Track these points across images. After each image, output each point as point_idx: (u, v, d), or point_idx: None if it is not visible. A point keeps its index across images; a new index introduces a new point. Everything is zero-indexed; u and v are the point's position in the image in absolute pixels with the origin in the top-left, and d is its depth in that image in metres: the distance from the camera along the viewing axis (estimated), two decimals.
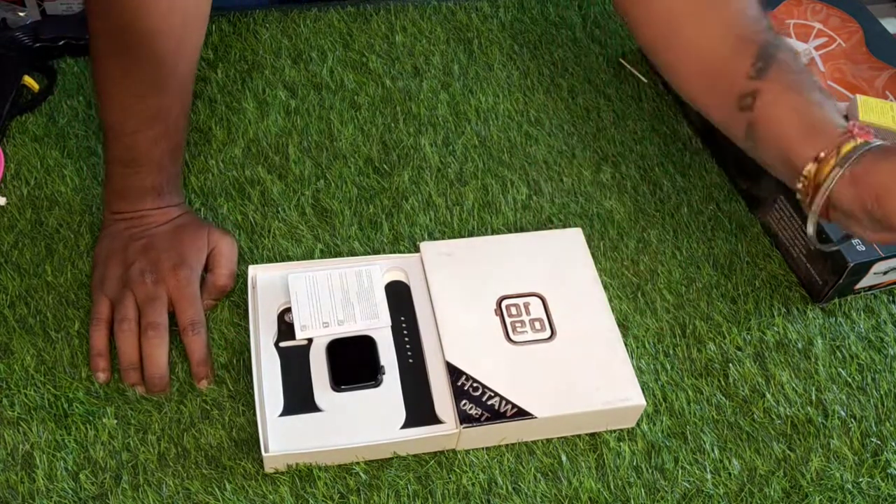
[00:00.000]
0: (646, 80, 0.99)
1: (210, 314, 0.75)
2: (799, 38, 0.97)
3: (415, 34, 1.01)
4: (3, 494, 0.65)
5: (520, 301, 0.74)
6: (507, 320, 0.73)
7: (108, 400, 0.70)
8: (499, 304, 0.74)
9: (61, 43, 0.94)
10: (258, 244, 0.81)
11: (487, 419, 0.67)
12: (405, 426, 0.68)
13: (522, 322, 0.73)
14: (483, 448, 0.69)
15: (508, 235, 0.81)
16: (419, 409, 0.69)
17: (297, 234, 0.82)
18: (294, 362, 0.71)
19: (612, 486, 0.68)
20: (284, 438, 0.66)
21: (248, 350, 0.71)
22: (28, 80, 0.91)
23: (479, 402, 0.68)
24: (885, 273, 0.80)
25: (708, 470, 0.69)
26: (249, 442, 0.68)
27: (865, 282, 0.80)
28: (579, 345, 0.72)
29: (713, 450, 0.71)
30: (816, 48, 0.96)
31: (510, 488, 0.68)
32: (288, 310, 0.73)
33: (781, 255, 0.85)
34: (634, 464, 0.69)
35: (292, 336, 0.72)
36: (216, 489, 0.66)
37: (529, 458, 0.69)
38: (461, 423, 0.67)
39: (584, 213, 0.86)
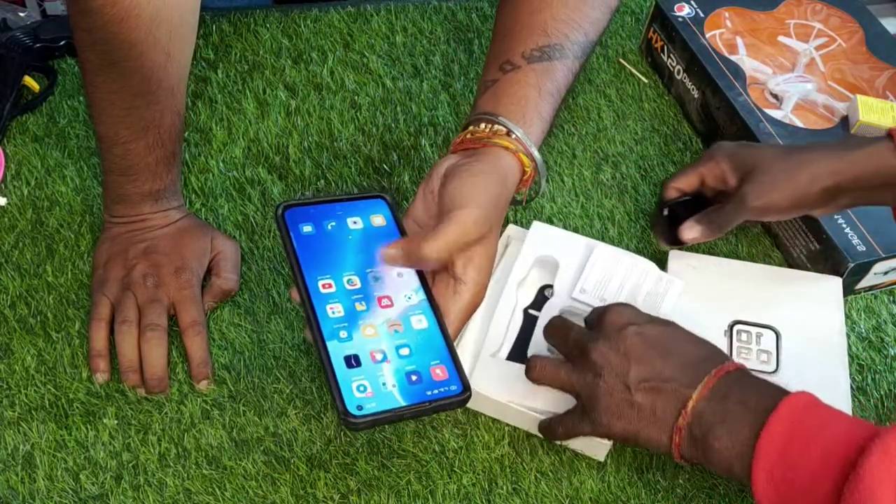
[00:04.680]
0: (646, 80, 0.99)
1: (210, 315, 0.75)
2: (799, 38, 0.97)
3: (415, 34, 1.01)
4: (4, 494, 0.65)
5: (753, 330, 0.74)
6: (735, 344, 0.74)
7: (109, 400, 0.70)
8: (731, 326, 0.74)
9: (62, 43, 0.95)
10: (258, 244, 0.81)
11: None
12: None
13: (749, 350, 0.73)
14: (484, 448, 0.69)
15: (762, 266, 0.80)
16: None
17: None
18: (528, 330, 0.73)
19: (612, 486, 0.68)
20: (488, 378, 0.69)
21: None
22: (28, 81, 0.91)
23: None
24: (886, 273, 0.80)
25: (708, 470, 0.69)
26: (250, 442, 0.68)
27: (866, 282, 0.80)
28: (801, 388, 0.66)
29: None
30: (816, 48, 0.96)
31: (510, 488, 0.68)
32: (548, 286, 0.75)
33: (782, 255, 0.85)
34: (635, 464, 0.69)
35: (539, 308, 0.74)
36: (216, 489, 0.66)
37: (529, 458, 0.69)
38: None
39: (584, 213, 0.86)
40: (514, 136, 0.67)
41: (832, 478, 0.51)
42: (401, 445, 0.69)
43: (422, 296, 0.64)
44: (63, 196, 0.83)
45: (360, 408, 0.56)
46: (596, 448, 0.68)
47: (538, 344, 0.71)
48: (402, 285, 0.63)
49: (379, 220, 0.67)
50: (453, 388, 0.59)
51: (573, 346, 0.64)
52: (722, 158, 0.76)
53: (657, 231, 0.81)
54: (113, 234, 0.76)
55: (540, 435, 0.69)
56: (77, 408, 0.69)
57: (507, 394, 0.69)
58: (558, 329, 0.67)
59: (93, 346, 0.71)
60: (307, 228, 0.65)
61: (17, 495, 0.65)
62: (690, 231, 0.75)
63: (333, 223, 0.66)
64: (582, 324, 0.67)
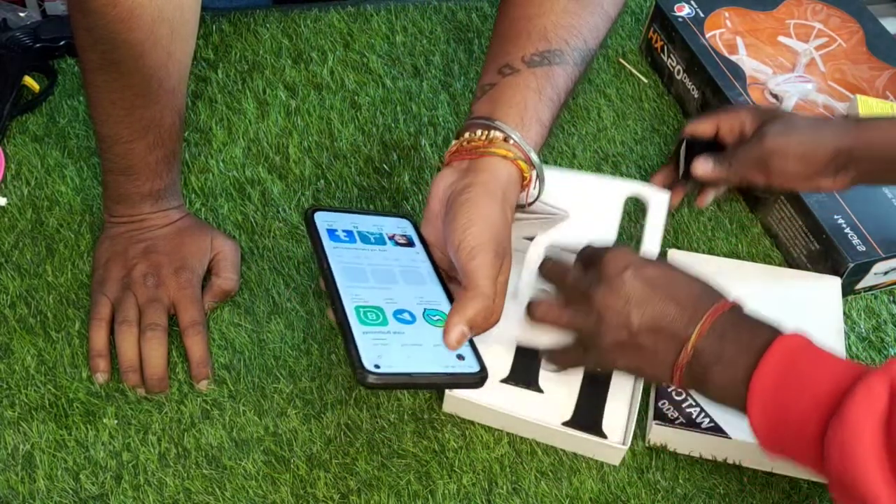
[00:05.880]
0: (646, 80, 0.99)
1: (210, 315, 0.75)
2: (799, 38, 0.97)
3: (415, 34, 1.01)
4: (4, 494, 0.65)
5: None
6: None
7: (109, 400, 0.70)
8: None
9: (62, 43, 0.95)
10: (258, 244, 0.81)
11: (680, 424, 0.68)
12: (566, 424, 0.69)
13: None
14: (484, 448, 0.69)
15: (761, 266, 0.81)
16: (586, 416, 0.69)
17: (297, 234, 0.82)
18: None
19: (612, 487, 0.68)
20: None
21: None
22: (28, 81, 0.91)
23: (677, 407, 0.69)
24: (886, 273, 0.80)
25: (708, 470, 0.69)
26: (250, 442, 0.68)
27: (866, 282, 0.80)
28: None
29: None
30: (816, 48, 0.96)
31: (510, 488, 0.68)
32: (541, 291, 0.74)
33: (782, 255, 0.85)
34: (635, 464, 0.69)
35: None
36: (216, 489, 0.66)
37: (529, 458, 0.69)
38: (654, 420, 0.68)
39: None
40: (511, 141, 0.66)
41: (820, 419, 0.53)
42: (401, 445, 0.69)
43: (439, 286, 0.65)
44: (63, 196, 0.83)
45: (377, 366, 0.56)
46: (610, 454, 0.69)
47: (527, 288, 0.71)
48: (421, 276, 0.64)
49: (405, 233, 0.69)
50: (472, 365, 0.59)
51: (572, 290, 0.65)
52: (742, 110, 0.78)
53: (671, 163, 0.82)
54: (113, 234, 0.76)
55: (537, 438, 0.69)
56: (77, 408, 0.69)
57: (515, 331, 0.70)
58: (555, 271, 0.68)
59: (93, 345, 0.71)
60: (336, 226, 0.67)
61: (17, 495, 0.65)
62: (704, 164, 0.77)
63: (362, 227, 0.68)
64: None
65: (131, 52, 0.68)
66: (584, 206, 0.73)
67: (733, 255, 0.84)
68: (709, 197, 0.84)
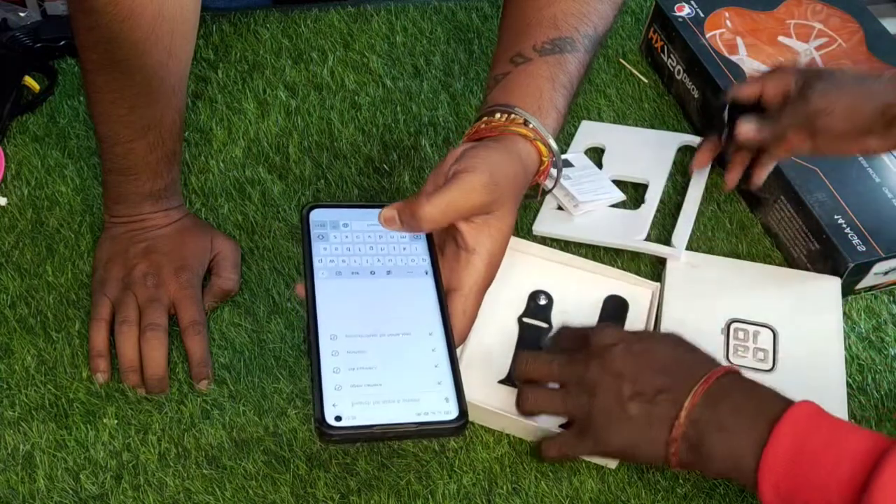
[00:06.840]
0: (646, 80, 0.99)
1: (210, 315, 0.75)
2: (799, 38, 0.97)
3: (415, 34, 1.01)
4: (4, 494, 0.65)
5: (750, 328, 0.74)
6: (731, 342, 0.74)
7: (109, 400, 0.70)
8: (728, 324, 0.74)
9: (62, 43, 0.95)
10: (258, 244, 0.81)
11: None
12: (563, 427, 0.68)
13: (746, 348, 0.73)
14: (484, 448, 0.69)
15: (761, 265, 0.81)
16: None
17: (297, 234, 0.82)
18: (526, 341, 0.74)
19: (612, 487, 0.68)
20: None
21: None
22: (28, 81, 0.91)
23: None
24: (886, 273, 0.80)
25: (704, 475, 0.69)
26: (250, 442, 0.68)
27: (866, 282, 0.80)
28: (797, 388, 0.67)
29: None
30: (817, 48, 0.96)
31: (510, 488, 0.68)
32: (539, 292, 0.76)
33: (782, 255, 0.85)
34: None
35: (537, 316, 0.75)
36: (216, 489, 0.66)
37: (529, 458, 0.69)
38: None
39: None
40: (531, 125, 0.66)
41: (843, 498, 0.51)
42: (401, 445, 0.69)
43: (436, 311, 0.61)
44: (63, 196, 0.83)
45: (338, 419, 0.53)
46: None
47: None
48: (417, 298, 0.61)
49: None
50: (448, 413, 0.55)
51: (562, 374, 0.64)
52: (787, 71, 0.75)
53: (711, 134, 0.80)
54: (113, 234, 0.76)
55: (536, 439, 0.69)
56: (77, 408, 0.69)
57: (506, 406, 0.68)
58: (542, 365, 0.66)
59: (93, 345, 0.71)
60: (326, 230, 0.64)
61: (17, 495, 0.65)
62: (747, 126, 0.75)
63: (355, 227, 0.65)
64: None
65: (132, 52, 0.68)
66: (640, 156, 0.81)
67: (733, 254, 0.84)
68: (762, 174, 0.80)
